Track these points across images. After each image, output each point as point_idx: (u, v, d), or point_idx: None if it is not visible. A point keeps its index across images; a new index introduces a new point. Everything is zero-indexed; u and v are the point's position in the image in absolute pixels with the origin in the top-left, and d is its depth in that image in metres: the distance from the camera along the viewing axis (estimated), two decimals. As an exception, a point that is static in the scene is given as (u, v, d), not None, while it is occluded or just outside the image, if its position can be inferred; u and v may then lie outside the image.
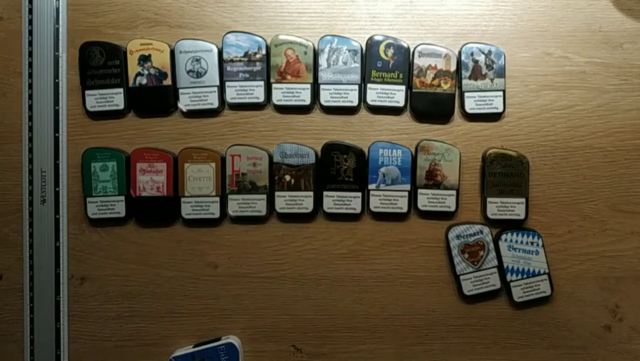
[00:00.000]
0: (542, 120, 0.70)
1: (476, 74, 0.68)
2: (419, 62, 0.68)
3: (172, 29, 0.70)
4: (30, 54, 0.69)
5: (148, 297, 0.71)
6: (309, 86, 0.68)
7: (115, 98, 0.68)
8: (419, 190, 0.68)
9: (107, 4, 0.70)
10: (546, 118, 0.70)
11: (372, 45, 0.68)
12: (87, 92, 0.69)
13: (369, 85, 0.68)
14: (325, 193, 0.68)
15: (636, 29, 0.70)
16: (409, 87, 0.69)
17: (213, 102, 0.68)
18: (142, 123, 0.70)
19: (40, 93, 0.69)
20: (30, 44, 0.69)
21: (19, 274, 0.70)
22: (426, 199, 0.68)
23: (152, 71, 0.68)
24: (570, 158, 0.70)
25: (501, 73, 0.68)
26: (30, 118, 0.69)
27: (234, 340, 0.69)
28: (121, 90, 0.68)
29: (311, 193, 0.68)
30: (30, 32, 0.69)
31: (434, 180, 0.68)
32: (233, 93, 0.68)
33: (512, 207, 0.68)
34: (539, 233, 0.68)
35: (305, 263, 0.70)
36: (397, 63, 0.68)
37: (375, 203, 0.68)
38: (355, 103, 0.68)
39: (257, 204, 0.68)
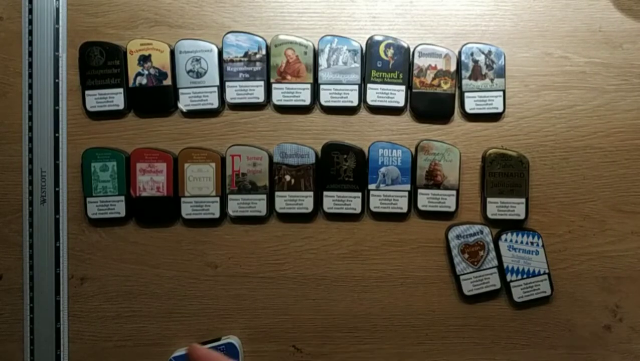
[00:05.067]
0: (542, 120, 0.70)
1: (476, 74, 0.68)
2: (419, 62, 0.68)
3: (172, 29, 0.70)
4: (30, 54, 0.69)
5: (148, 297, 0.71)
6: (309, 86, 0.68)
7: (115, 98, 0.68)
8: (419, 190, 0.68)
9: (107, 4, 0.70)
10: (546, 118, 0.70)
11: (372, 45, 0.68)
12: (87, 92, 0.69)
13: (369, 85, 0.68)
14: (325, 193, 0.68)
15: (636, 29, 0.70)
16: (409, 87, 0.69)
17: (213, 102, 0.68)
18: (142, 123, 0.70)
19: (40, 93, 0.69)
20: (30, 44, 0.69)
21: (19, 274, 0.70)
22: (426, 199, 0.68)
23: (152, 71, 0.68)
24: (570, 158, 0.70)
25: (501, 73, 0.68)
26: (30, 118, 0.69)
27: (234, 340, 0.69)
28: (121, 90, 0.68)
29: (311, 193, 0.68)
30: (30, 32, 0.69)
31: (434, 180, 0.68)
32: (233, 93, 0.68)
33: (512, 207, 0.68)
34: (539, 233, 0.68)
35: (305, 263, 0.70)
36: (397, 63, 0.68)
37: (375, 203, 0.68)
38: (355, 103, 0.68)
39: (257, 204, 0.68)
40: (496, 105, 0.68)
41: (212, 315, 0.71)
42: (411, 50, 0.68)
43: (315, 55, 0.68)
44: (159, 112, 0.70)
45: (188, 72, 0.68)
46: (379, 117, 0.70)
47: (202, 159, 0.68)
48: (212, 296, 0.70)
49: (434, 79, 0.68)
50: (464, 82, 0.68)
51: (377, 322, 0.71)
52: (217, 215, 0.68)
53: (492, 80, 0.68)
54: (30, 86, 0.69)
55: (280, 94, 0.68)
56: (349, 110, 0.70)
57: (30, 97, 0.69)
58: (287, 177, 0.68)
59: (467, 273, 0.68)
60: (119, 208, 0.69)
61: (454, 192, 0.68)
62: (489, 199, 0.68)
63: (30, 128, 0.69)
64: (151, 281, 0.71)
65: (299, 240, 0.70)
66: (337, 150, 0.68)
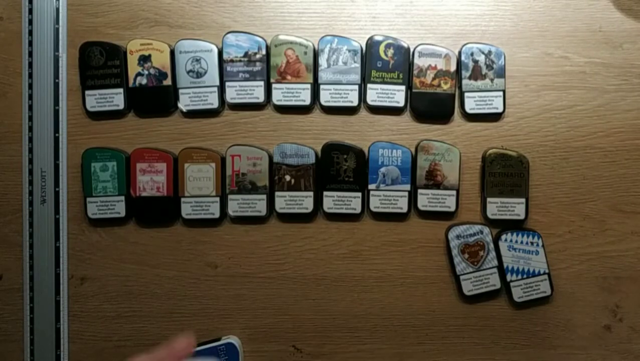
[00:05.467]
0: (542, 120, 0.70)
1: (476, 74, 0.68)
2: (419, 62, 0.68)
3: (172, 29, 0.70)
4: (30, 54, 0.69)
5: (148, 297, 0.71)
6: (309, 86, 0.68)
7: (115, 99, 0.68)
8: (419, 190, 0.68)
9: (107, 4, 0.70)
10: (546, 118, 0.70)
11: (372, 45, 0.68)
12: (87, 92, 0.69)
13: (369, 85, 0.68)
14: (325, 193, 0.68)
15: (636, 29, 0.70)
16: (409, 87, 0.69)
17: (213, 102, 0.68)
18: (142, 123, 0.70)
19: (40, 93, 0.69)
20: (30, 44, 0.69)
21: (19, 274, 0.70)
22: (426, 199, 0.68)
23: (152, 71, 0.68)
24: (570, 158, 0.70)
25: (501, 73, 0.68)
26: (30, 118, 0.69)
27: (234, 340, 0.69)
28: (121, 90, 0.68)
29: (311, 193, 0.68)
30: (30, 32, 0.69)
31: (434, 180, 0.68)
32: (233, 94, 0.68)
33: (512, 207, 0.68)
34: (539, 233, 0.68)
35: (305, 263, 0.70)
36: (397, 63, 0.68)
37: (375, 203, 0.68)
38: (355, 103, 0.68)
39: (257, 204, 0.68)
40: (496, 105, 0.68)
41: (212, 315, 0.71)
42: (411, 50, 0.68)
43: (315, 55, 0.68)
44: (159, 112, 0.70)
45: (188, 72, 0.68)
46: (379, 117, 0.70)
47: (202, 159, 0.68)
48: (212, 296, 0.70)
49: (434, 79, 0.68)
50: (464, 82, 0.68)
51: (377, 322, 0.71)
52: (217, 215, 0.68)
53: (492, 80, 0.68)
54: (30, 86, 0.69)
55: (280, 94, 0.68)
56: (349, 110, 0.70)
57: (30, 97, 0.69)
58: (287, 177, 0.68)
59: (467, 273, 0.68)
60: (119, 208, 0.69)
61: (454, 192, 0.68)
62: (489, 199, 0.68)
63: (30, 128, 0.69)
64: (151, 281, 0.71)
65: (299, 240, 0.70)
66: (337, 150, 0.68)
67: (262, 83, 0.68)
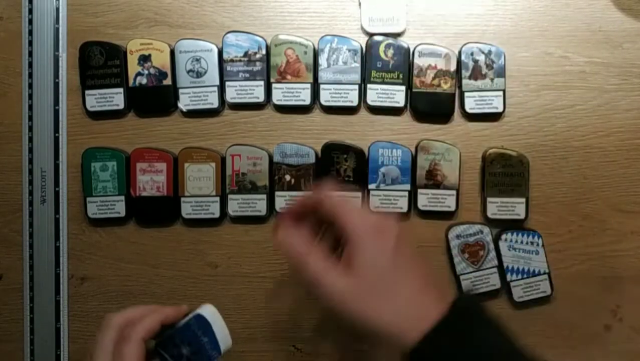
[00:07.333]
0: (542, 120, 0.70)
1: (476, 74, 0.68)
2: (419, 62, 0.68)
3: (172, 29, 0.70)
4: (30, 54, 0.69)
5: (148, 297, 0.70)
6: (309, 86, 0.68)
7: (115, 98, 0.68)
8: (419, 190, 0.68)
9: (107, 4, 0.70)
10: (546, 118, 0.70)
11: (372, 45, 0.68)
12: (87, 92, 0.69)
13: (369, 85, 0.68)
14: (325, 193, 0.68)
15: (636, 28, 0.70)
16: (409, 87, 0.69)
17: (213, 102, 0.68)
18: (142, 123, 0.70)
19: (40, 93, 0.69)
20: (30, 44, 0.69)
21: (19, 274, 0.70)
22: (426, 199, 0.68)
23: (152, 71, 0.68)
24: (570, 158, 0.70)
25: (501, 73, 0.68)
26: (30, 118, 0.69)
27: (203, 310, 0.52)
28: (121, 90, 0.68)
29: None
30: (30, 32, 0.69)
31: (434, 180, 0.68)
32: (233, 93, 0.68)
33: (512, 207, 0.68)
34: (539, 233, 0.68)
35: (305, 263, 0.70)
36: (397, 63, 0.68)
37: (375, 203, 0.68)
38: (355, 103, 0.68)
39: (257, 204, 0.68)
40: (496, 105, 0.68)
41: (212, 315, 0.70)
42: (411, 50, 0.68)
43: (315, 55, 0.68)
44: (159, 112, 0.70)
45: (188, 71, 0.68)
46: (379, 117, 0.70)
47: (202, 159, 0.68)
48: (212, 296, 0.70)
49: (433, 78, 0.68)
50: (464, 81, 0.68)
51: (377, 322, 0.70)
52: (217, 214, 0.68)
53: (492, 80, 0.68)
54: (30, 86, 0.69)
55: (280, 94, 0.68)
56: (349, 110, 0.70)
57: (30, 97, 0.69)
58: (287, 177, 0.68)
59: (467, 273, 0.68)
60: (119, 208, 0.69)
61: (454, 192, 0.68)
62: (489, 199, 0.68)
63: (30, 128, 0.69)
64: (151, 281, 0.71)
65: (299, 240, 0.70)
66: (337, 150, 0.68)
67: (262, 83, 0.68)
